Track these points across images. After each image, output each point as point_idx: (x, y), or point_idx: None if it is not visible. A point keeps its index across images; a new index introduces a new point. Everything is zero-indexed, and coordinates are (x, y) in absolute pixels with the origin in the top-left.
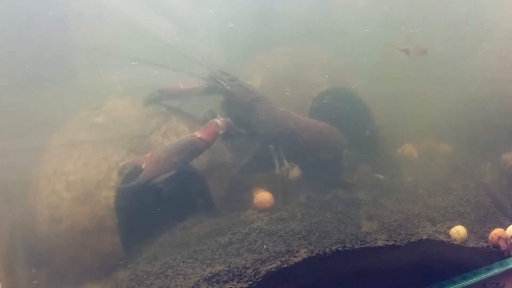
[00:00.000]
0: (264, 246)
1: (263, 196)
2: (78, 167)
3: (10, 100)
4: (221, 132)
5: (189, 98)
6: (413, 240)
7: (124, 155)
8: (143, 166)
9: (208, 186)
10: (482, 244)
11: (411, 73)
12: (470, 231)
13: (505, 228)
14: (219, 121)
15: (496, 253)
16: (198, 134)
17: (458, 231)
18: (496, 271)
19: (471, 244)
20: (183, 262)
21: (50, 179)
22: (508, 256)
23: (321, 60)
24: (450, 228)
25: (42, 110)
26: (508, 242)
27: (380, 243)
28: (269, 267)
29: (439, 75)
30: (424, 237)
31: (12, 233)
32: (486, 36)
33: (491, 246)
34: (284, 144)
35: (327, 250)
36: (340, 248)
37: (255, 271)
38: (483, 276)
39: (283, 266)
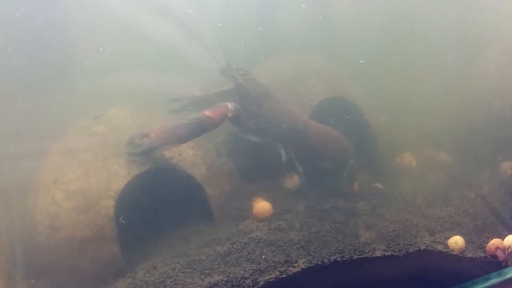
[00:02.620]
0: (263, 256)
1: (262, 206)
2: (78, 176)
3: (11, 107)
4: (230, 115)
5: (209, 104)
6: (411, 250)
7: (124, 164)
8: (151, 135)
9: (207, 195)
10: (480, 254)
11: (411, 83)
12: (468, 241)
13: (502, 238)
14: (229, 104)
15: (493, 263)
16: (207, 113)
17: (456, 241)
18: (494, 281)
19: (469, 254)
20: (182, 272)
21: (50, 188)
22: (506, 266)
23: (321, 69)
24: (448, 238)
25: (43, 118)
26: (506, 252)
27: (378, 253)
28: (268, 277)
29: (438, 85)
30: (422, 247)
31: (12, 243)
32: (484, 47)
33: (489, 256)
34: (289, 144)
35: (326, 260)
36: (338, 258)
37: (254, 282)
38: (481, 286)
39: (281, 276)
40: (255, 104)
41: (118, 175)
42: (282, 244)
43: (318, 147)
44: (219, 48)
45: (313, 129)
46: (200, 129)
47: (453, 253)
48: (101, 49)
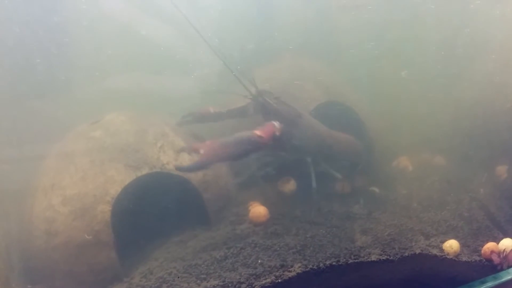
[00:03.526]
0: (259, 261)
1: (258, 210)
2: (75, 181)
3: (9, 111)
4: (277, 133)
5: (220, 120)
6: (406, 254)
7: (121, 169)
8: (201, 151)
9: (204, 199)
10: (475, 258)
11: (406, 88)
12: (463, 245)
13: (497, 242)
14: (276, 123)
15: (489, 267)
16: (258, 132)
17: (451, 245)
18: (490, 284)
19: (464, 258)
20: (178, 277)
21: (47, 193)
22: (501, 270)
23: (317, 74)
24: (443, 242)
25: (40, 123)
26: (501, 256)
27: (373, 257)
28: (264, 282)
29: (434, 90)
30: (417, 251)
31: (9, 248)
32: (479, 52)
33: (484, 260)
34: (320, 157)
35: (321, 264)
36: (334, 263)
37: (250, 286)
38: None
39: (277, 281)
40: (290, 126)
41: (115, 180)
42: (278, 249)
43: (341, 155)
44: (248, 72)
45: (337, 139)
46: (251, 147)
47: (448, 257)
48: (100, 52)
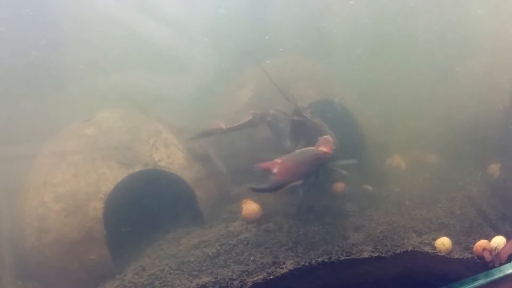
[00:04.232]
0: (251, 258)
1: (251, 207)
2: (67, 178)
3: (1, 109)
4: (334, 147)
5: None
6: (398, 251)
7: (113, 166)
8: (274, 171)
9: (197, 197)
10: (467, 255)
11: (400, 87)
12: (455, 242)
13: (489, 239)
14: (330, 137)
15: (480, 264)
16: (324, 149)
17: (443, 242)
18: (481, 281)
19: (456, 255)
20: (170, 274)
21: (39, 190)
22: (493, 267)
23: (311, 72)
24: (435, 239)
25: (33, 120)
26: (493, 253)
27: (365, 254)
28: (256, 278)
29: (427, 89)
30: (409, 248)
31: (0, 245)
32: (471, 51)
33: (476, 257)
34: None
35: (313, 261)
36: (326, 260)
37: (242, 283)
38: (469, 286)
39: (269, 277)
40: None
41: (107, 178)
42: (270, 246)
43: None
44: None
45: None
46: (320, 164)
47: (440, 254)
48: (94, 50)
